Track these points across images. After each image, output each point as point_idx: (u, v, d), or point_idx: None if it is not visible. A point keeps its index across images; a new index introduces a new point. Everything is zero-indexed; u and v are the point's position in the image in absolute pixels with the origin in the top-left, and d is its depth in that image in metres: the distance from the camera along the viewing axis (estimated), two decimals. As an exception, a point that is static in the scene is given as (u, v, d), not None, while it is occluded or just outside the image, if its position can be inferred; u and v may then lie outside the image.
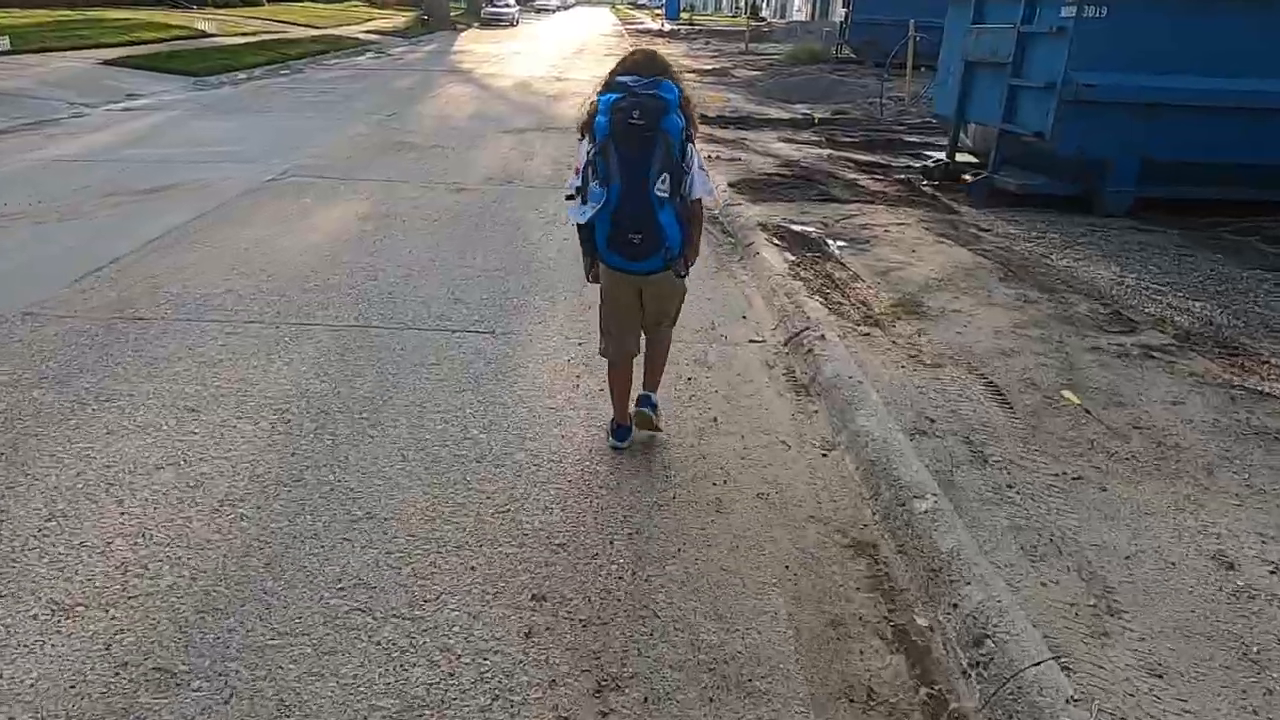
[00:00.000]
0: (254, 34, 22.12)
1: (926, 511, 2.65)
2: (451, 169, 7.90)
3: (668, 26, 40.47)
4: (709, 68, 19.79)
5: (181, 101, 11.67)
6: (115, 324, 3.99)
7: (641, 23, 49.62)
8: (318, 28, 27.39)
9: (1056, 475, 2.85)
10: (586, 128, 2.68)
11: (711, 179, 3.17)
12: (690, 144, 2.66)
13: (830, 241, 5.69)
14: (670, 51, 26.11)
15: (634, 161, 2.56)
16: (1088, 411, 3.30)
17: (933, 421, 3.21)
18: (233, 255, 5.08)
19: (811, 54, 21.40)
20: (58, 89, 11.18)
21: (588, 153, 2.66)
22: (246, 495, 2.69)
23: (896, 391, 3.46)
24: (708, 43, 31.05)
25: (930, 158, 8.50)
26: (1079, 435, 3.12)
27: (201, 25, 21.01)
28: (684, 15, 54.26)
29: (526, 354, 3.91)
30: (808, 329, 4.15)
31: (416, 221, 6.05)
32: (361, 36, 25.73)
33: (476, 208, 6.52)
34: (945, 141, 10.39)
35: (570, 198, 2.75)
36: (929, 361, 3.76)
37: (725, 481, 2.95)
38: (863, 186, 7.53)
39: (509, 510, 2.71)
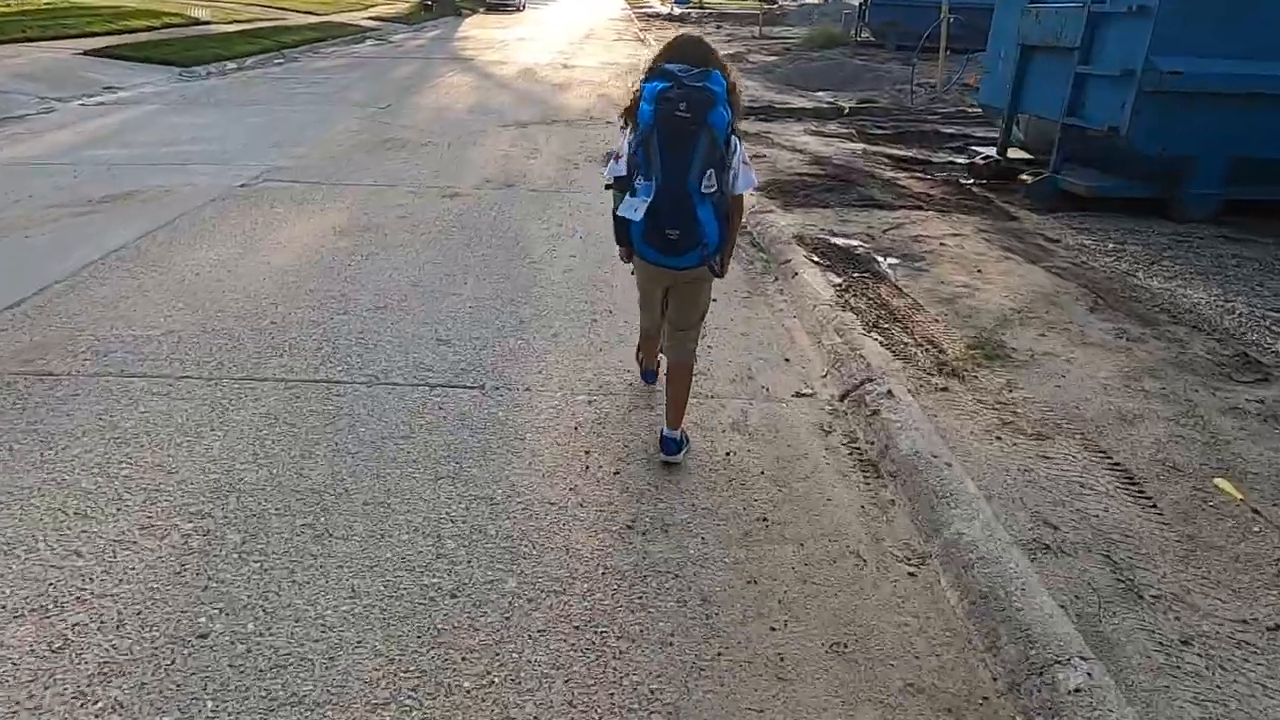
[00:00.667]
0: (250, 21, 21.32)
1: (1078, 690, 1.87)
2: (445, 170, 7.12)
3: (677, 10, 39.40)
4: (723, 53, 18.83)
5: (162, 94, 10.91)
6: (17, 381, 3.24)
7: (650, 6, 48.47)
8: (318, 14, 26.55)
9: (1245, 623, 2.08)
10: (630, 115, 2.55)
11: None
12: (735, 136, 2.52)
13: (880, 259, 4.90)
14: (681, 36, 25.20)
15: (676, 155, 2.44)
16: (1256, 512, 2.52)
17: (1055, 528, 2.43)
18: (181, 283, 4.33)
19: (830, 37, 20.45)
20: (29, 82, 10.44)
21: (630, 143, 2.54)
22: (127, 667, 1.94)
23: (998, 477, 2.68)
24: (719, 26, 30.03)
25: (975, 153, 7.67)
26: (1257, 552, 2.34)
27: (196, 12, 20.22)
28: (694, -1, 53.11)
29: (522, 419, 3.15)
30: (869, 380, 3.37)
31: (401, 236, 5.28)
32: (363, 23, 24.88)
33: (471, 218, 5.74)
34: (986, 133, 9.56)
35: (609, 186, 2.70)
36: (1030, 430, 2.98)
37: (786, 623, 2.19)
38: (905, 188, 6.71)
39: (491, 685, 1.95)
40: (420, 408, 3.17)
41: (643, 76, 2.54)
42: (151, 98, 10.60)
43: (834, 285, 4.42)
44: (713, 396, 3.38)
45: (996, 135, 8.74)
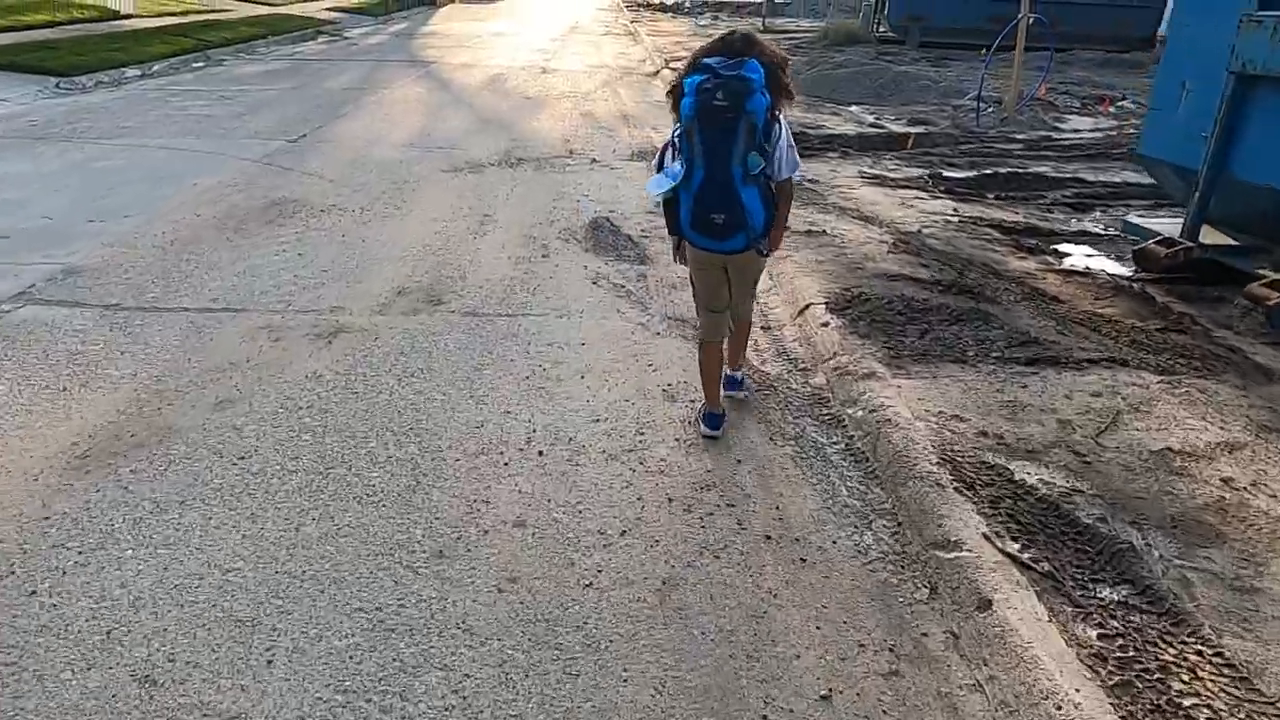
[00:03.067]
0: (184, 15, 18.60)
1: None
2: (339, 268, 4.61)
3: (670, 0, 36.67)
4: (727, 52, 16.29)
5: (4, 119, 8.30)
6: None
7: (640, -5, 45.67)
8: (273, 5, 23.84)
9: None
10: (675, 109, 2.66)
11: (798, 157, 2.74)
12: (777, 122, 2.63)
13: (1139, 541, 2.43)
14: (677, 30, 22.56)
15: (717, 143, 2.55)
16: None
17: None
18: None
19: (848, 34, 17.95)
20: None
21: (673, 135, 2.67)
22: None
23: None
24: (716, 18, 27.44)
25: (1130, 226, 5.23)
26: None
27: (118, 4, 17.48)
28: (685, -14, 50.24)
29: None
30: None
31: (194, 467, 2.79)
32: (320, 15, 22.15)
33: (347, 401, 3.26)
34: (1098, 176, 7.13)
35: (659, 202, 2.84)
36: None
37: None
38: (1059, 300, 4.27)
39: None
40: None
41: (682, 74, 2.65)
42: (-12, 124, 8.01)
43: (1100, 679, 1.96)
44: None
45: (1116, 181, 6.42)
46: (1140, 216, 5.38)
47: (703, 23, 25.11)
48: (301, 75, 12.07)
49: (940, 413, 3.10)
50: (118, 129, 7.92)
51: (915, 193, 6.37)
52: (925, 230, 5.31)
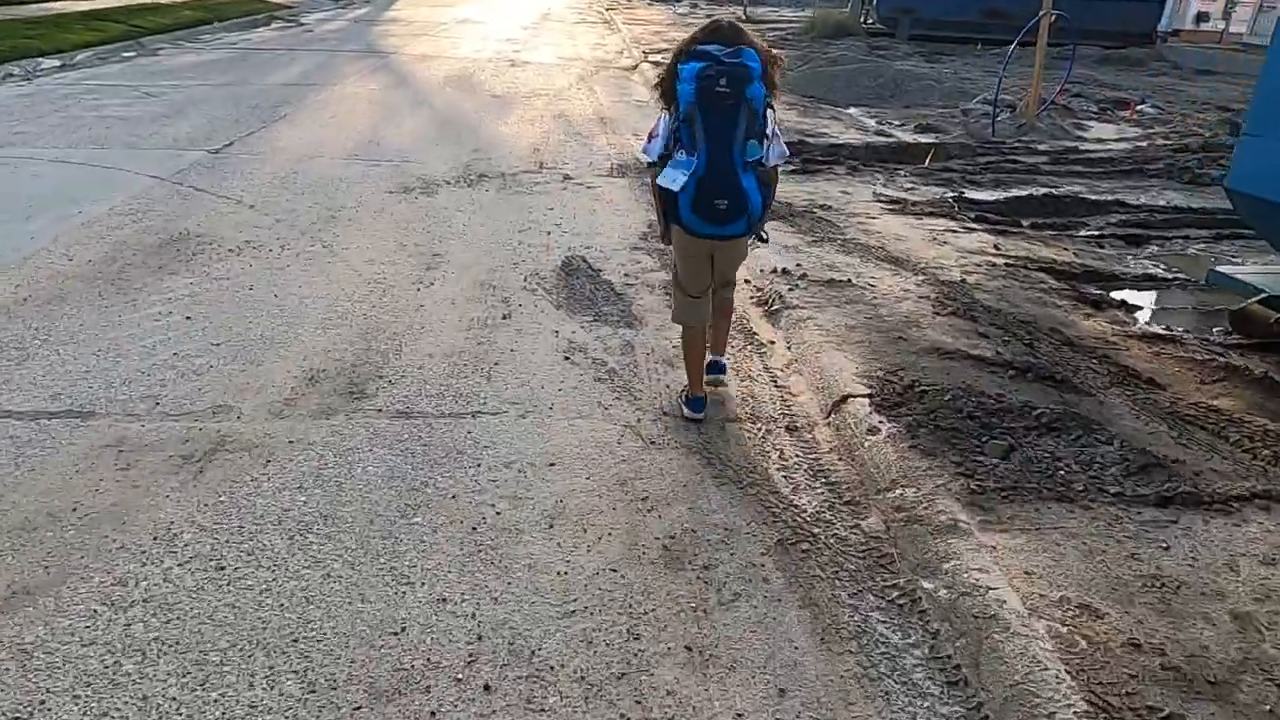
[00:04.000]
0: (125, -4, 17.18)
1: None
2: (232, 342, 3.58)
3: (646, -15, 35.38)
4: (710, 44, 15.25)
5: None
6: None
7: (615, -20, 44.31)
8: (224, -13, 22.36)
9: None
10: (668, 97, 2.67)
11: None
12: (770, 110, 2.68)
13: None
14: (656, 18, 21.43)
15: (720, 129, 2.58)
16: None
17: None
18: None
19: (837, 25, 16.98)
20: None
21: (671, 123, 2.68)
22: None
23: None
24: (695, 6, 26.34)
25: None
26: None
27: (48, -16, 16.03)
28: (662, -28, 48.90)
29: None
30: None
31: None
32: (275, 0, 20.77)
33: (201, 601, 2.27)
34: (1141, 199, 6.22)
35: (652, 164, 2.80)
36: None
37: None
38: (1153, 380, 3.36)
39: None
40: None
41: (677, 54, 2.65)
42: None
43: None
44: None
45: (1162, 204, 5.69)
46: (1228, 265, 4.49)
47: (682, 10, 24.03)
48: (244, 67, 10.88)
49: (1062, 599, 2.16)
50: (7, 136, 6.75)
51: (944, 223, 5.44)
52: (970, 279, 4.38)
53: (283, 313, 3.81)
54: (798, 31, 17.90)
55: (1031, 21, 8.15)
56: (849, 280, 4.27)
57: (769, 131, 2.70)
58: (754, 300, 4.22)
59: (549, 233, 5.07)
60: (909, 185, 6.48)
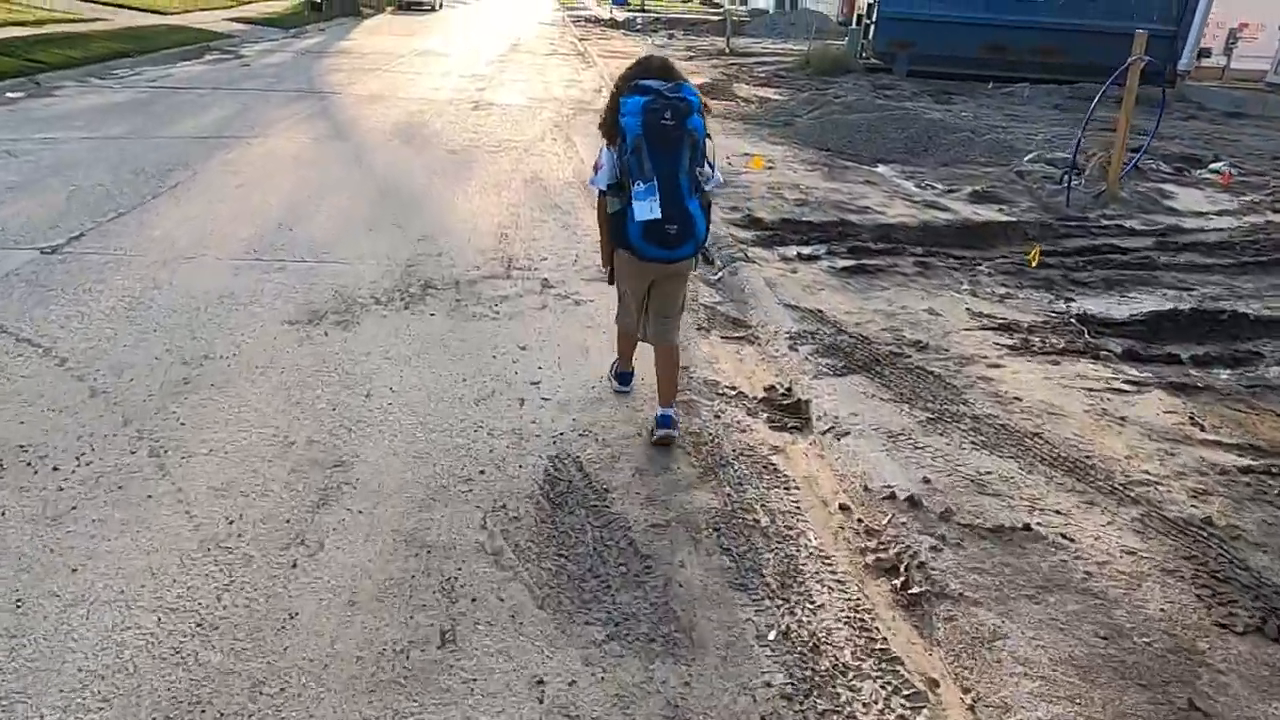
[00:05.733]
0: (40, 23, 15.24)
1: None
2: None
3: (620, 16, 34.16)
4: (698, 82, 13.70)
5: None
6: None
7: (586, 9, 43.15)
8: (167, 13, 20.56)
9: None
10: (612, 131, 2.79)
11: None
12: (709, 139, 2.80)
13: None
14: (632, 49, 19.82)
15: (667, 159, 2.71)
16: None
17: None
18: None
19: (835, 61, 15.55)
20: None
21: (618, 156, 2.78)
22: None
23: None
24: (671, 36, 24.94)
25: None
26: None
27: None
28: (632, 1, 47.75)
29: None
30: None
31: None
32: (219, 27, 18.94)
33: None
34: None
35: (603, 192, 2.88)
36: None
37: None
38: None
39: None
40: None
41: (618, 89, 2.80)
42: None
43: None
44: None
45: None
46: None
47: (659, 43, 22.54)
48: (150, 113, 9.02)
49: None
50: None
51: (1091, 370, 3.78)
52: (1212, 511, 2.69)
53: (17, 664, 1.99)
54: (790, 67, 16.46)
55: (1118, 70, 6.59)
56: (1025, 526, 2.56)
57: (708, 160, 2.81)
58: (871, 566, 2.49)
59: (523, 401, 3.33)
60: (1003, 290, 4.85)
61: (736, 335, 4.19)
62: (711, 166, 2.86)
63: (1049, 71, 16.33)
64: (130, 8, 20.65)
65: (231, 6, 24.17)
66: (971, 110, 12.56)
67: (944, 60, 16.60)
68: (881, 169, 8.21)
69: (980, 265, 5.34)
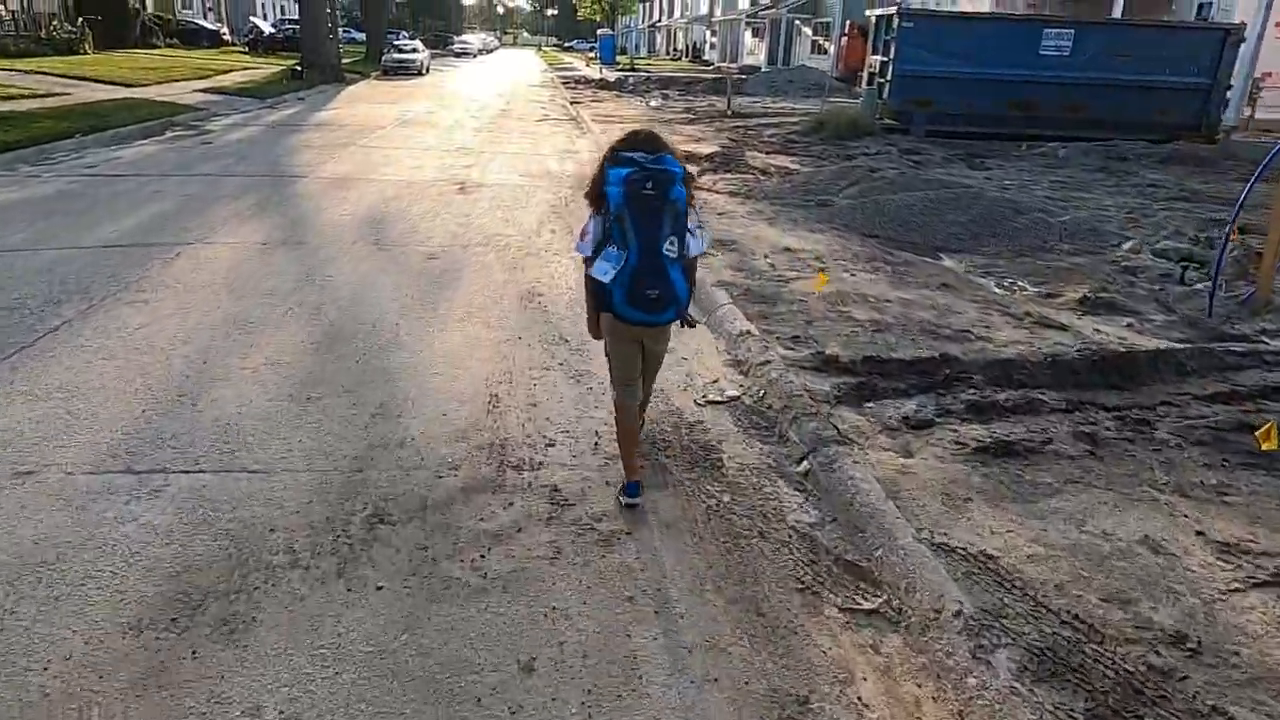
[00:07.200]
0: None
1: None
2: None
3: (611, 76, 33.36)
4: (706, 151, 12.39)
5: None
6: None
7: (574, 68, 42.61)
8: (129, 85, 19.44)
9: None
10: (598, 200, 2.86)
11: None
12: (691, 207, 2.88)
13: None
14: (628, 113, 18.57)
15: (648, 227, 2.79)
16: None
17: None
18: None
19: (851, 123, 14.32)
20: None
21: (602, 223, 2.85)
22: None
23: None
24: (666, 97, 23.94)
25: None
26: None
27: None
28: (621, 59, 47.34)
29: None
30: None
31: None
32: (185, 100, 17.70)
33: None
34: None
35: (588, 260, 2.92)
36: None
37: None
38: None
39: None
40: None
41: (606, 163, 2.84)
42: None
43: None
44: None
45: None
46: None
47: (654, 104, 21.46)
48: (70, 211, 7.56)
49: None
50: None
51: None
52: None
53: None
54: (801, 130, 15.24)
55: (1275, 150, 5.19)
56: None
57: (690, 227, 2.89)
58: None
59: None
60: (1214, 479, 3.32)
61: (865, 608, 2.64)
62: (693, 232, 2.92)
63: (1076, 128, 15.20)
64: (98, 80, 19.50)
65: (208, 76, 23.08)
66: (1013, 177, 11.27)
67: (963, 119, 15.47)
68: (947, 262, 6.79)
69: (1157, 428, 3.82)
